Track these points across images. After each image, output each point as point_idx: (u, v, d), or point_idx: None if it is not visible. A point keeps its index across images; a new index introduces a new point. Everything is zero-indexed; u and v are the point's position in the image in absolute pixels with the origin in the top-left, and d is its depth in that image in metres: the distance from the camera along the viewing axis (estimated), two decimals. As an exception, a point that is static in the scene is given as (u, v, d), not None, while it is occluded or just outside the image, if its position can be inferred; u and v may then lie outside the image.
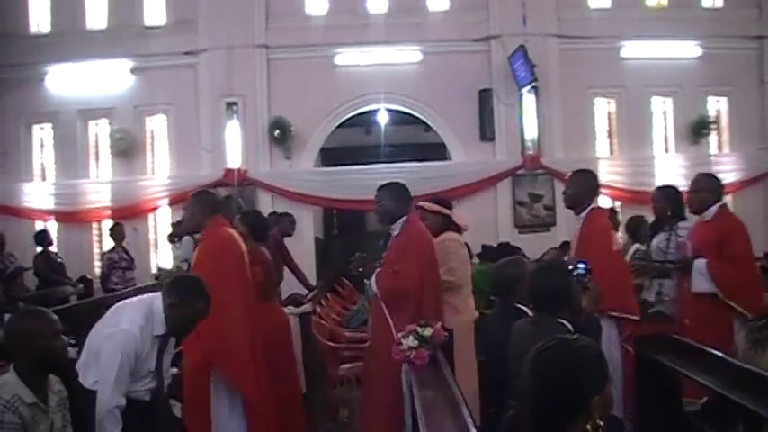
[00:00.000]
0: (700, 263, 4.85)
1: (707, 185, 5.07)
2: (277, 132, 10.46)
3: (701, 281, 4.84)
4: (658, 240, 5.59)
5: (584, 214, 4.75)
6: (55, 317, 3.16)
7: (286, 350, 5.30)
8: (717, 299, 4.78)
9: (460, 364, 4.37)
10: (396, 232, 4.70)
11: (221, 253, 4.45)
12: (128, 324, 3.44)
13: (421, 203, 5.27)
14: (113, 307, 3.70)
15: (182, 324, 3.61)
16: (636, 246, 6.55)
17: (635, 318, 4.55)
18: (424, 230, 4.75)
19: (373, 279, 4.68)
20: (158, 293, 3.64)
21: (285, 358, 5.15)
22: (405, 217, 4.67)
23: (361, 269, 5.20)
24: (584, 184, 4.88)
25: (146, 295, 3.70)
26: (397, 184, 4.86)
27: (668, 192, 5.74)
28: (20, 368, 2.99)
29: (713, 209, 4.95)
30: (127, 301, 3.71)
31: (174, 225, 10.44)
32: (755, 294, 4.82)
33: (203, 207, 4.58)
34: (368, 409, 4.76)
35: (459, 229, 5.17)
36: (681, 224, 5.46)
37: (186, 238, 10.18)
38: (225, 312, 4.07)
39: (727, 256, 4.77)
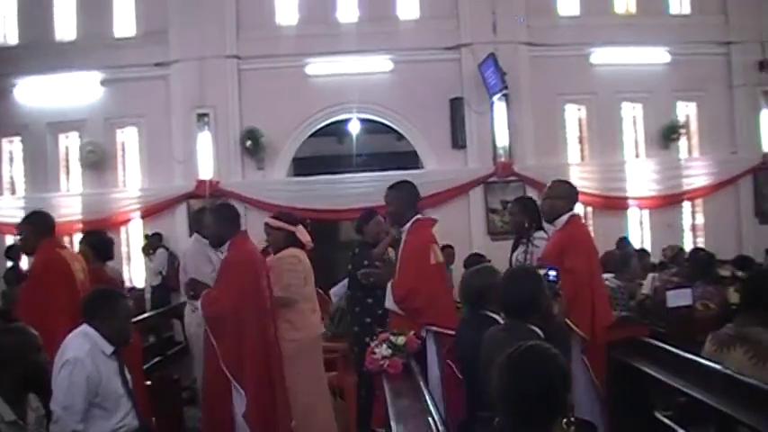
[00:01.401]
0: None
1: (559, 192, 4.90)
2: (249, 143, 10.54)
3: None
4: (517, 253, 5.36)
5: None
6: (35, 332, 3.25)
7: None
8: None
9: (299, 378, 4.53)
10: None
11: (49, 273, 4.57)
12: (72, 353, 3.46)
13: (266, 219, 5.42)
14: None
15: (118, 333, 3.64)
16: None
17: (450, 333, 4.44)
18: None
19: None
20: (82, 326, 3.66)
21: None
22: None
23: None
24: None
25: (71, 334, 3.66)
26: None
27: (524, 203, 5.61)
28: (0, 385, 3.03)
29: (564, 218, 4.77)
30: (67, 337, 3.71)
31: (146, 237, 10.52)
32: (592, 313, 4.51)
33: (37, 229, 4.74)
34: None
35: (303, 246, 5.23)
36: (536, 234, 5.22)
37: (160, 251, 10.31)
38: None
39: (566, 268, 4.43)
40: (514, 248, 5.52)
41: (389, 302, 4.71)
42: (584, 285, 4.49)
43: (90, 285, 4.60)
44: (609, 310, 4.87)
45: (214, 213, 4.99)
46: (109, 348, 3.57)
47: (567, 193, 4.89)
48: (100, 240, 5.56)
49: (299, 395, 4.83)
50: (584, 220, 11.13)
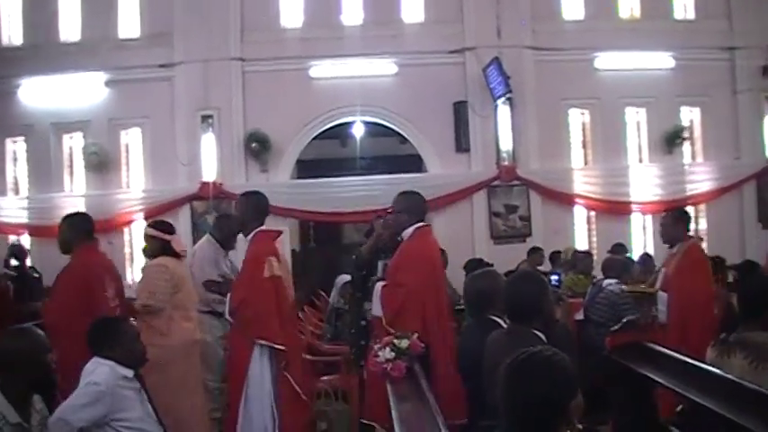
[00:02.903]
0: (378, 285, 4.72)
1: (402, 206, 4.78)
2: (255, 145, 10.63)
3: (375, 303, 4.68)
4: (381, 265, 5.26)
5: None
6: (42, 333, 3.35)
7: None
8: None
9: (167, 383, 4.52)
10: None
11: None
12: (104, 382, 3.50)
13: (144, 228, 5.49)
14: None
15: (131, 356, 3.72)
16: None
17: (280, 348, 4.53)
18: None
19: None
20: (93, 359, 3.69)
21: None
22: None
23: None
24: None
25: (88, 366, 3.67)
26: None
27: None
28: (7, 387, 3.09)
29: (409, 230, 4.66)
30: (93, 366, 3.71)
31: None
32: (424, 329, 4.36)
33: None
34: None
35: (177, 255, 5.26)
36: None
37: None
38: None
39: (397, 281, 4.50)
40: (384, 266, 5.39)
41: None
42: (414, 301, 4.42)
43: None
44: (449, 329, 4.65)
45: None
46: (129, 372, 3.66)
47: (410, 206, 4.76)
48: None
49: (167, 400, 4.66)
50: (585, 225, 11.45)
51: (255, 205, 4.94)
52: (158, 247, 5.20)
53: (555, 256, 9.92)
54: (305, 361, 5.28)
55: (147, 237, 5.31)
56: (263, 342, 4.59)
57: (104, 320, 3.93)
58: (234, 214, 5.47)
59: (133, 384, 3.67)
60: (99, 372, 3.54)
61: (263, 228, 4.89)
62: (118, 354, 3.64)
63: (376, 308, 4.65)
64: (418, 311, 4.43)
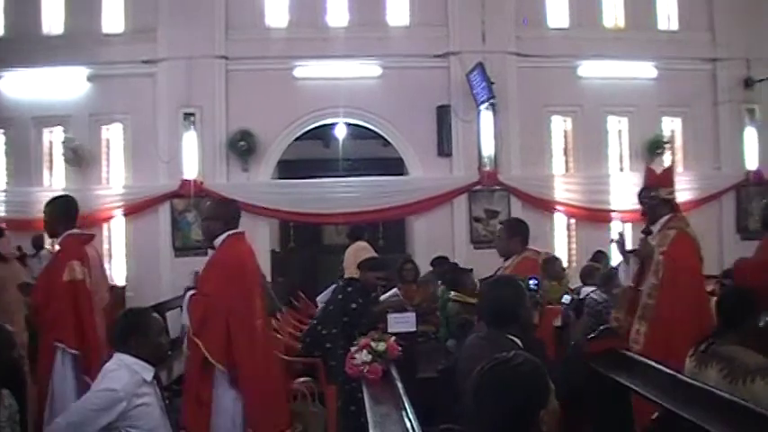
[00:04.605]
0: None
1: (213, 213, 4.85)
2: (242, 143, 10.70)
3: (184, 312, 4.68)
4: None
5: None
6: (7, 329, 3.40)
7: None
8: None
9: None
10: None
11: None
12: (122, 388, 3.44)
13: None
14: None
15: (156, 350, 3.69)
16: None
17: (74, 352, 4.55)
18: None
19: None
20: (114, 356, 3.65)
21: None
22: None
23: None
24: None
25: (110, 361, 3.65)
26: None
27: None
28: None
29: (220, 239, 4.68)
30: (103, 369, 3.66)
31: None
32: (227, 340, 4.42)
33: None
34: None
35: (3, 258, 5.36)
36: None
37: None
38: None
39: (203, 291, 4.56)
40: None
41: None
42: (217, 311, 4.42)
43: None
44: (262, 336, 4.71)
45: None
46: (149, 373, 3.59)
47: (221, 214, 4.80)
48: None
49: None
50: (565, 232, 11.62)
51: (64, 209, 4.99)
52: None
53: None
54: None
55: None
56: (59, 345, 4.59)
57: (132, 312, 3.90)
58: None
59: (153, 389, 3.62)
60: (119, 377, 3.48)
61: (73, 231, 4.95)
62: (143, 348, 3.60)
63: (185, 317, 4.63)
64: (222, 320, 4.43)
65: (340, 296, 6.31)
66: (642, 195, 5.46)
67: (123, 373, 3.48)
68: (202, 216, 4.98)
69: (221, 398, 4.44)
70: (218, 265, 4.61)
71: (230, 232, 4.70)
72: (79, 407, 3.45)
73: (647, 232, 5.35)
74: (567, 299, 7.60)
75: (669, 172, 5.60)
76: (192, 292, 4.66)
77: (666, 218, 5.24)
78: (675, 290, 4.93)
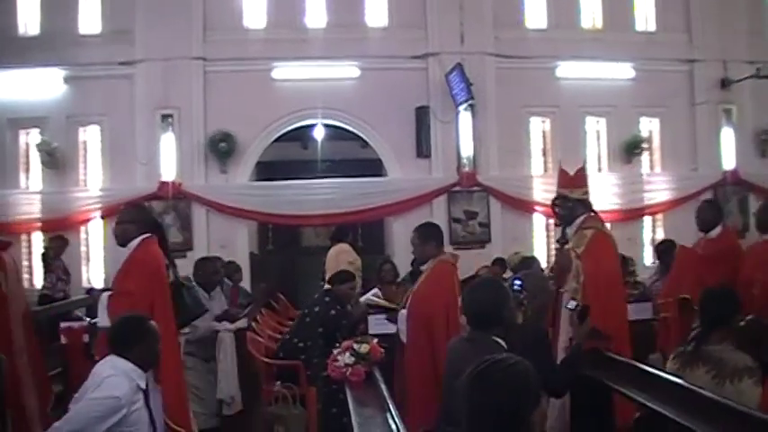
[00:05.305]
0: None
1: (128, 217, 4.95)
2: (223, 144, 10.69)
3: (101, 313, 4.74)
4: None
5: None
6: None
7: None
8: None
9: None
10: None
11: None
12: (122, 395, 3.53)
13: None
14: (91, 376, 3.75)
15: (152, 356, 3.81)
16: None
17: None
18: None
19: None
20: (108, 359, 3.72)
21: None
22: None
23: None
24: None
25: (103, 364, 3.73)
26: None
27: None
28: None
29: (135, 241, 4.78)
30: (97, 373, 3.70)
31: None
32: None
33: None
34: None
35: None
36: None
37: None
38: None
39: (123, 290, 4.66)
40: None
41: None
42: (142, 308, 4.43)
43: None
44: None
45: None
46: (143, 381, 3.70)
47: (137, 218, 4.94)
48: None
49: None
50: (544, 232, 11.70)
51: None
52: None
53: (498, 262, 9.83)
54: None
55: None
56: None
57: (132, 319, 3.95)
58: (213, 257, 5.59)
59: (142, 395, 3.70)
60: (120, 384, 3.56)
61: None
62: (141, 354, 3.71)
63: (102, 318, 4.68)
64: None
65: (316, 308, 6.41)
66: (556, 199, 5.54)
67: (123, 380, 3.58)
68: (117, 220, 4.99)
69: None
70: (139, 264, 4.69)
71: (145, 236, 4.80)
72: (81, 413, 3.50)
73: (562, 242, 5.40)
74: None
75: (582, 172, 5.64)
76: (108, 293, 4.74)
77: (582, 218, 5.30)
78: (598, 293, 4.94)
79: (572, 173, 5.64)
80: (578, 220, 5.29)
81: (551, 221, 11.57)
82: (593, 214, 5.39)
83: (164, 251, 4.96)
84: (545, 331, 4.35)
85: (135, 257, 4.74)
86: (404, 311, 5.41)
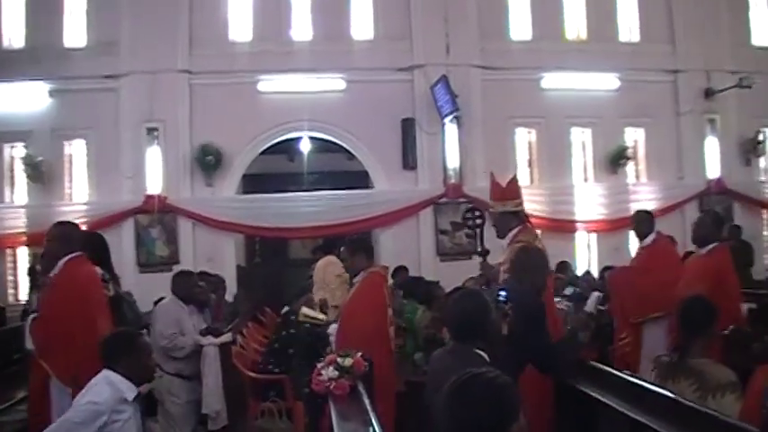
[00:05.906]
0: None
1: (52, 235, 4.77)
2: (209, 158, 10.71)
3: (27, 338, 4.67)
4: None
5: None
6: None
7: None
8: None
9: None
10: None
11: None
12: (104, 403, 3.57)
13: None
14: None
15: (143, 371, 3.87)
16: None
17: None
18: None
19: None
20: (101, 372, 3.74)
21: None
22: None
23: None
24: None
25: (96, 377, 3.75)
26: None
27: None
28: None
29: (62, 261, 4.62)
30: (88, 385, 3.75)
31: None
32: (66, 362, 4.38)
33: None
34: None
35: None
36: None
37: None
38: None
39: (44, 314, 4.61)
40: None
41: None
42: (61, 332, 4.38)
43: None
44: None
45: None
46: (132, 393, 3.72)
47: (60, 234, 4.78)
48: None
49: None
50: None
51: None
52: None
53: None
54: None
55: None
56: None
57: (122, 333, 4.02)
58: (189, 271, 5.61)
59: (133, 407, 3.74)
60: (101, 391, 3.62)
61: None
62: (130, 367, 3.75)
63: (28, 341, 4.65)
64: (67, 343, 4.42)
65: (284, 332, 6.46)
66: (489, 211, 5.58)
67: (106, 388, 3.63)
68: (46, 238, 4.84)
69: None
70: (59, 288, 4.60)
71: (71, 255, 4.67)
72: (64, 420, 3.57)
73: (483, 254, 5.51)
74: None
75: (514, 183, 5.63)
76: (33, 315, 4.73)
77: (515, 231, 5.25)
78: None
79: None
80: (511, 234, 5.24)
81: (538, 232, 11.65)
82: (525, 227, 5.36)
83: (104, 266, 4.94)
84: (543, 307, 4.30)
85: (56, 283, 4.64)
86: (335, 325, 5.52)
